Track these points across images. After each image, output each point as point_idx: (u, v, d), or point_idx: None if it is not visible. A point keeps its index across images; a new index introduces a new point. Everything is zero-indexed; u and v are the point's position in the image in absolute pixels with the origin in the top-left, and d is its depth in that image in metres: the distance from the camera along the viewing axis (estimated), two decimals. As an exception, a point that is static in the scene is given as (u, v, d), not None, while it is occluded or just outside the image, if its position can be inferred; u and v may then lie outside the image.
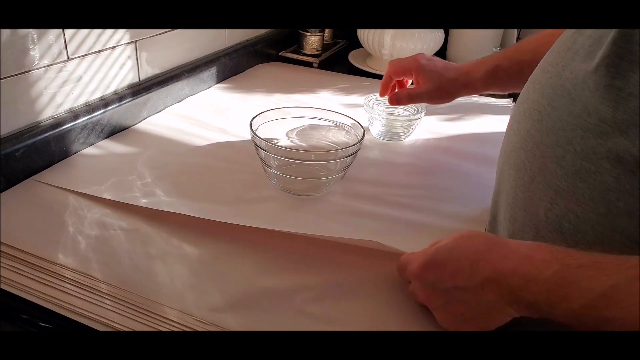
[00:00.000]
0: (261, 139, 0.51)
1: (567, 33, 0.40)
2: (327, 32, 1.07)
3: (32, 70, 0.53)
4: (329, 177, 0.53)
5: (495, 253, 0.33)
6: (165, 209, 0.48)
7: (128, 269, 0.42)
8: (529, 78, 0.43)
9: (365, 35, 0.97)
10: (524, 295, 0.31)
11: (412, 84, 0.66)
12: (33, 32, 0.52)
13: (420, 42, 0.94)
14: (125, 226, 0.47)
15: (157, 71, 0.73)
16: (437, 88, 0.60)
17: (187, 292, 0.40)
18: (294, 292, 0.40)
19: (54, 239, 0.44)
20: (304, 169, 0.52)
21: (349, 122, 0.58)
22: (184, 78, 0.76)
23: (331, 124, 0.60)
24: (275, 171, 0.53)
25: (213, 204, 0.51)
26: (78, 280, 0.40)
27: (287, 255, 0.45)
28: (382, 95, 0.67)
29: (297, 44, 1.03)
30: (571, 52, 0.36)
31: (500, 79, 0.57)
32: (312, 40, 1.01)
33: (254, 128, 0.54)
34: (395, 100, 0.64)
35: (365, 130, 0.55)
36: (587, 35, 0.36)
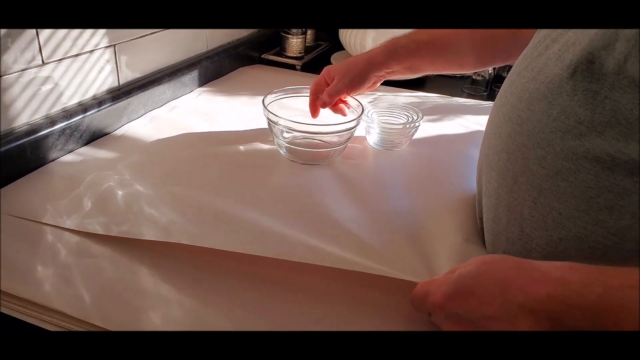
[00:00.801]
0: (274, 114, 0.59)
1: (538, 37, 0.41)
2: (309, 34, 1.07)
3: (4, 75, 0.52)
4: (332, 149, 0.61)
5: (526, 278, 0.31)
6: (148, 238, 0.45)
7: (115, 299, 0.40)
8: (505, 81, 0.44)
9: (347, 37, 0.97)
10: (565, 320, 0.29)
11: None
12: (5, 36, 0.51)
13: (402, 44, 0.94)
14: (109, 253, 0.43)
15: (137, 75, 0.71)
16: (345, 72, 0.62)
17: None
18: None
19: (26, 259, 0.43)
20: (310, 140, 0.61)
21: (353, 102, 0.66)
22: (165, 82, 0.75)
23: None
24: (284, 143, 0.61)
25: (200, 213, 0.50)
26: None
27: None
28: (313, 115, 0.66)
29: (279, 47, 1.03)
30: (544, 58, 0.38)
31: (399, 53, 0.60)
32: (295, 43, 1.01)
33: (266, 104, 0.61)
34: (319, 106, 0.64)
35: (364, 108, 0.63)
36: (556, 39, 0.38)
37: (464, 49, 0.60)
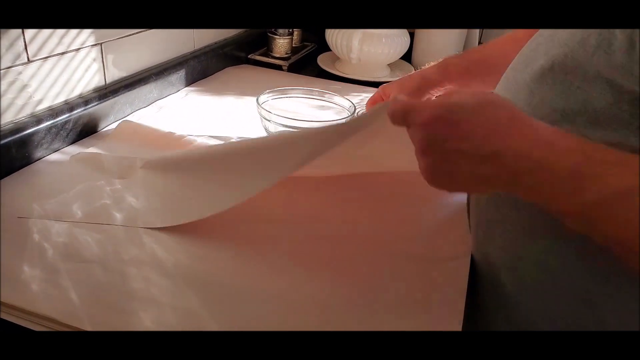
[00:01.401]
0: (267, 110, 0.62)
1: (534, 37, 0.44)
2: (296, 35, 1.07)
3: (-10, 73, 0.51)
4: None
5: (515, 129, 0.31)
6: (140, 224, 0.47)
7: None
8: (502, 76, 0.46)
9: (334, 39, 0.98)
10: (526, 180, 0.30)
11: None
12: (-9, 33, 0.50)
13: (387, 46, 0.96)
14: (97, 236, 0.45)
15: (124, 74, 0.71)
16: (400, 87, 0.61)
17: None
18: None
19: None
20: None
21: (345, 103, 0.70)
22: (152, 81, 0.75)
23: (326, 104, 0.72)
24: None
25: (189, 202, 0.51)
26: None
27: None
28: None
29: (266, 47, 1.03)
30: (534, 52, 0.41)
31: (451, 72, 0.60)
32: (281, 44, 1.01)
33: (260, 103, 0.64)
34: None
35: (355, 108, 0.65)
36: (545, 36, 0.40)
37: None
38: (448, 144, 0.32)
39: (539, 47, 0.41)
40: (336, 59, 1.05)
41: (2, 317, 0.37)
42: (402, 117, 0.35)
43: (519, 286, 0.41)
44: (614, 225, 0.28)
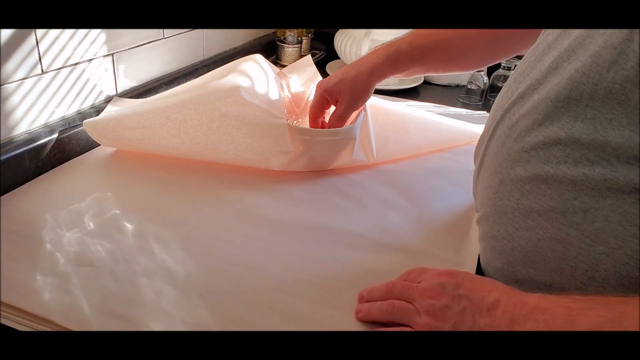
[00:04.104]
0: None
1: (537, 42, 0.43)
2: (304, 43, 1.08)
3: (5, 84, 0.52)
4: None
5: (511, 289, 0.34)
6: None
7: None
8: (504, 86, 0.45)
9: (342, 46, 0.98)
10: (527, 324, 0.31)
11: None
12: (6, 46, 0.51)
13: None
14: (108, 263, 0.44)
15: (134, 84, 0.72)
16: (352, 92, 0.59)
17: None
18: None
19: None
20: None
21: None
22: (162, 90, 0.75)
23: None
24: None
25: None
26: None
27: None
28: None
29: (275, 55, 1.04)
30: (539, 64, 0.40)
31: (401, 62, 0.58)
32: (290, 52, 1.02)
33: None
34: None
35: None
36: (552, 46, 0.39)
37: (467, 53, 0.59)
38: (460, 290, 0.36)
39: (544, 57, 0.39)
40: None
41: (19, 328, 0.37)
42: (418, 273, 0.40)
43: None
44: None
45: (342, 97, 0.59)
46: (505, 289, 0.34)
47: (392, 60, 0.58)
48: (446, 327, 0.35)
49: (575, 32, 0.36)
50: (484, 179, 0.43)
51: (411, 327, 0.37)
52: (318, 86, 0.61)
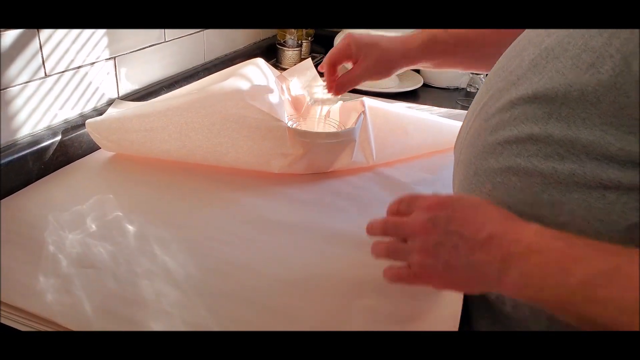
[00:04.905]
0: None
1: (518, 39, 0.43)
2: (304, 46, 1.09)
3: (9, 87, 0.52)
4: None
5: (507, 222, 0.34)
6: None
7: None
8: (486, 79, 0.45)
9: (343, 50, 0.99)
10: (517, 264, 0.31)
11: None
12: (10, 49, 0.51)
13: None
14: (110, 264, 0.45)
15: (136, 87, 0.72)
16: (377, 60, 0.57)
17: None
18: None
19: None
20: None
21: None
22: (164, 93, 0.76)
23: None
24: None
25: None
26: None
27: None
28: (330, 90, 0.62)
29: (275, 59, 1.05)
30: (518, 59, 0.40)
31: (436, 50, 0.57)
32: (290, 55, 1.02)
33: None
34: (338, 89, 0.61)
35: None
36: (533, 42, 0.39)
37: (495, 49, 0.57)
38: (451, 225, 0.35)
39: (523, 53, 0.39)
40: (344, 70, 1.06)
41: (20, 328, 0.37)
42: (408, 202, 0.39)
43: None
44: (600, 307, 0.28)
45: (364, 60, 0.57)
46: (500, 220, 0.34)
47: (427, 46, 0.57)
48: (439, 264, 0.35)
49: (555, 31, 0.37)
50: (460, 171, 0.44)
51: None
52: (348, 35, 0.59)
